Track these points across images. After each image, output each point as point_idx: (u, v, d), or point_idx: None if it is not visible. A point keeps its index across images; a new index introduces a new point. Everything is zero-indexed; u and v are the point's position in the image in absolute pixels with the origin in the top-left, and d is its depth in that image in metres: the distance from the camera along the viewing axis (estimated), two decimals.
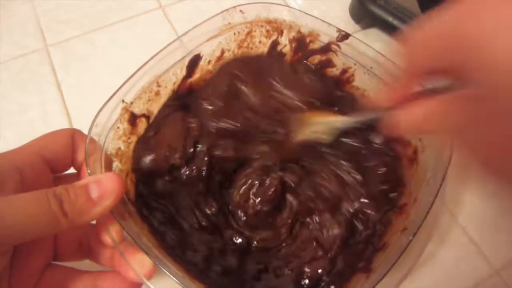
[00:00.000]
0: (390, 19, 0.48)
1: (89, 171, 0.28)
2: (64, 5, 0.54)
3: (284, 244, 0.36)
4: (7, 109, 0.45)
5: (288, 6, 0.55)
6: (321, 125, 0.33)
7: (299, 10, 0.39)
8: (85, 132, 0.31)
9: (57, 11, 0.53)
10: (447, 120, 0.21)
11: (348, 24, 0.53)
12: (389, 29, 0.50)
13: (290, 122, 0.35)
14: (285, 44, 0.40)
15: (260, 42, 0.40)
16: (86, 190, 0.25)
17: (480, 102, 0.19)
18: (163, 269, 0.27)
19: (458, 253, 0.39)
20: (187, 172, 0.36)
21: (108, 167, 0.30)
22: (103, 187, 0.26)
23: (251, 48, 0.40)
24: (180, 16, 0.54)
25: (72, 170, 0.32)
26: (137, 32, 0.52)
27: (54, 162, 0.29)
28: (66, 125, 0.45)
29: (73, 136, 0.30)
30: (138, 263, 0.27)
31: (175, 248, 0.32)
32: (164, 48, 0.35)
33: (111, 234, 0.27)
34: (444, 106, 0.21)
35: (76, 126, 0.45)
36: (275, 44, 0.40)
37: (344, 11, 0.54)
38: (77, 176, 0.31)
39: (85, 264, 0.30)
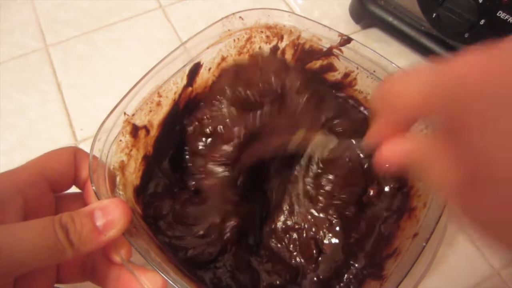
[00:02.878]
0: (390, 19, 0.48)
1: (94, 188, 0.28)
2: (64, 5, 0.54)
3: (295, 254, 0.36)
4: (7, 109, 0.46)
5: (289, 7, 0.55)
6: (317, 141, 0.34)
7: (300, 15, 0.39)
8: (89, 141, 0.30)
9: (57, 11, 0.53)
10: (427, 161, 0.20)
11: (348, 24, 0.53)
12: (389, 29, 0.50)
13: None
14: (285, 49, 0.40)
15: (259, 48, 0.40)
16: (91, 218, 0.25)
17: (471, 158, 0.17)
18: (175, 285, 0.26)
19: (458, 253, 0.39)
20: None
21: (112, 183, 0.30)
22: (108, 215, 0.25)
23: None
24: (180, 16, 0.54)
25: (73, 189, 0.31)
26: (137, 32, 0.52)
27: (56, 181, 0.28)
28: (66, 125, 0.45)
29: (75, 154, 0.30)
30: (149, 280, 0.27)
31: (185, 263, 0.32)
32: (165, 57, 0.35)
33: (120, 252, 0.27)
34: (425, 146, 0.20)
35: (76, 126, 0.45)
36: (275, 49, 0.40)
37: (344, 11, 0.54)
38: (79, 197, 0.30)
39: (87, 285, 0.30)
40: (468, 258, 0.39)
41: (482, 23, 0.39)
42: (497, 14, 0.38)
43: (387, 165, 0.23)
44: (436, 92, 0.19)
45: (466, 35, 0.42)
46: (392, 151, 0.23)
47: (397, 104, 0.21)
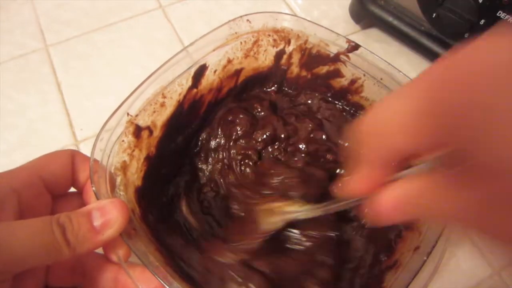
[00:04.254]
0: (390, 19, 0.48)
1: (94, 188, 0.28)
2: (64, 5, 0.54)
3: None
4: (7, 109, 0.45)
5: (289, 7, 0.55)
6: (287, 214, 0.31)
7: (308, 20, 0.38)
8: (89, 141, 0.30)
9: (57, 11, 0.53)
10: (440, 201, 0.17)
11: (348, 24, 0.53)
12: (389, 29, 0.50)
13: (258, 215, 0.33)
14: (292, 53, 0.40)
15: (265, 51, 0.40)
16: (89, 218, 0.25)
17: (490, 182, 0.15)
18: None
19: (458, 254, 0.39)
20: None
21: (112, 183, 0.30)
22: (106, 215, 0.25)
23: (257, 58, 0.40)
24: (180, 16, 0.54)
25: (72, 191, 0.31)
26: (137, 32, 0.52)
27: (53, 183, 0.29)
28: (66, 125, 0.45)
29: (72, 156, 0.30)
30: (145, 282, 0.27)
31: (183, 267, 0.32)
32: (170, 58, 0.35)
33: (117, 252, 0.27)
34: (433, 186, 0.17)
35: (76, 126, 0.45)
36: (281, 53, 0.40)
37: (344, 11, 0.54)
38: (79, 196, 0.30)
39: None
40: (468, 258, 0.39)
41: (482, 23, 0.39)
42: (497, 14, 0.38)
43: (389, 219, 0.19)
44: (428, 121, 0.15)
45: (466, 35, 0.42)
46: (391, 203, 0.18)
47: (381, 146, 0.18)
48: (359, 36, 0.53)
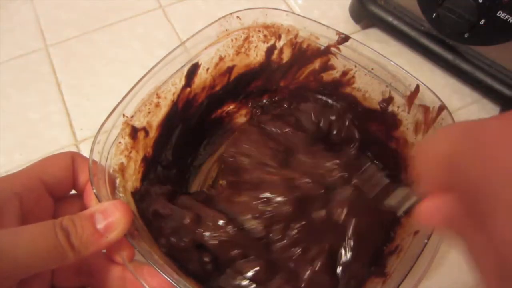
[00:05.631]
0: (390, 19, 0.48)
1: (94, 190, 0.28)
2: (64, 5, 0.54)
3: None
4: (7, 109, 0.46)
5: (289, 7, 0.55)
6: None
7: (298, 14, 0.39)
8: (89, 141, 0.30)
9: (57, 11, 0.53)
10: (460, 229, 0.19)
11: (348, 24, 0.53)
12: (389, 29, 0.50)
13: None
14: (283, 48, 0.40)
15: (256, 47, 0.40)
16: (92, 221, 0.25)
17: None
18: (178, 286, 0.26)
19: (458, 254, 0.39)
20: None
21: (112, 185, 0.30)
22: (109, 217, 0.25)
23: (248, 55, 0.40)
24: (180, 16, 0.54)
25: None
26: (137, 32, 0.52)
27: (55, 186, 0.29)
28: (66, 125, 0.45)
29: (73, 158, 0.30)
30: (152, 281, 0.27)
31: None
32: (162, 58, 0.35)
33: (121, 254, 0.27)
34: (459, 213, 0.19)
35: (76, 126, 0.45)
36: (272, 49, 0.40)
37: (344, 11, 0.54)
38: (80, 198, 0.30)
39: None
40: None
41: (482, 23, 0.39)
42: (497, 14, 0.38)
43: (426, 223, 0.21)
44: (449, 166, 0.17)
45: (466, 35, 0.42)
46: (430, 212, 0.21)
47: (425, 171, 0.20)
48: (359, 36, 0.53)
